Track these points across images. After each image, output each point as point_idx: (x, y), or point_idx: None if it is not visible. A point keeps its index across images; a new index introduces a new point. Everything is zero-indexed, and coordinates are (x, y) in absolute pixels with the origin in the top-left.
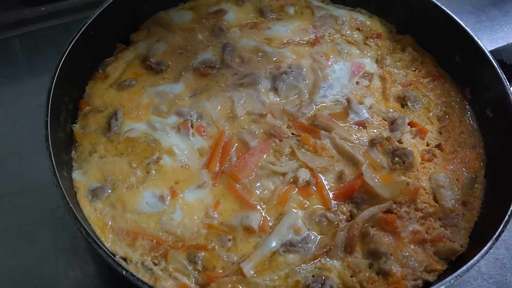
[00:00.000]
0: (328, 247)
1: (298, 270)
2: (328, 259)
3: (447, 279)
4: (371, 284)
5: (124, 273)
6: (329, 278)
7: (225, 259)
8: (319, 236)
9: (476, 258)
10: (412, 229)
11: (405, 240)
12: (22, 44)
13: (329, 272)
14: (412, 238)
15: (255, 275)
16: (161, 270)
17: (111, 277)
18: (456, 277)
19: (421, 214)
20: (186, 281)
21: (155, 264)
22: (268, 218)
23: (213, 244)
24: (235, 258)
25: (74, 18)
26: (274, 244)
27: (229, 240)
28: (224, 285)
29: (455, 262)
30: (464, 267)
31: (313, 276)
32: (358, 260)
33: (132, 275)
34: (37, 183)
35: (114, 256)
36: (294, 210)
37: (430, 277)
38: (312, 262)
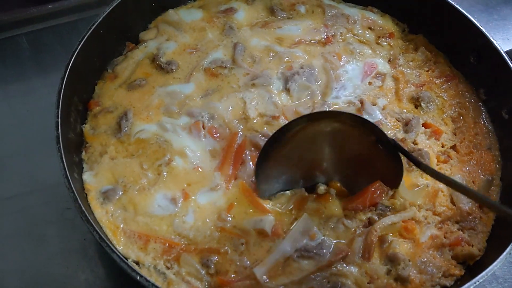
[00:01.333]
0: (344, 253)
1: (313, 277)
2: (344, 265)
3: (466, 285)
4: None
5: (138, 278)
6: (345, 284)
7: (238, 263)
8: (335, 241)
9: (495, 263)
10: (430, 234)
11: (424, 245)
12: (29, 43)
13: (346, 278)
14: (431, 243)
15: (268, 280)
16: (174, 274)
17: (122, 280)
18: (475, 283)
19: (439, 218)
20: (199, 285)
21: (168, 268)
22: (283, 222)
23: (226, 248)
24: (248, 262)
25: (81, 16)
26: (288, 249)
27: (242, 244)
28: None
29: (471, 266)
30: (483, 273)
31: (328, 282)
32: (376, 267)
33: (146, 280)
34: (46, 184)
35: (127, 260)
36: (308, 215)
37: (448, 282)
38: (328, 269)
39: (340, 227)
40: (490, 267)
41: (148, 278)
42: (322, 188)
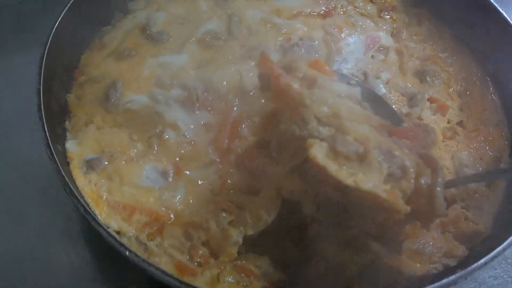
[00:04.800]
0: None
1: None
2: None
3: (473, 266)
4: None
5: (127, 253)
6: None
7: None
8: None
9: (506, 243)
10: None
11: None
12: (9, 15)
13: None
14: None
15: None
16: (156, 246)
17: (108, 262)
18: (483, 264)
19: None
20: (181, 258)
21: (150, 240)
22: None
23: (209, 223)
24: None
25: None
26: None
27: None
28: None
29: (476, 247)
30: (493, 253)
31: None
32: None
33: (136, 256)
34: (28, 161)
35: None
36: None
37: (450, 262)
38: None
39: None
40: (500, 248)
41: (139, 255)
42: None
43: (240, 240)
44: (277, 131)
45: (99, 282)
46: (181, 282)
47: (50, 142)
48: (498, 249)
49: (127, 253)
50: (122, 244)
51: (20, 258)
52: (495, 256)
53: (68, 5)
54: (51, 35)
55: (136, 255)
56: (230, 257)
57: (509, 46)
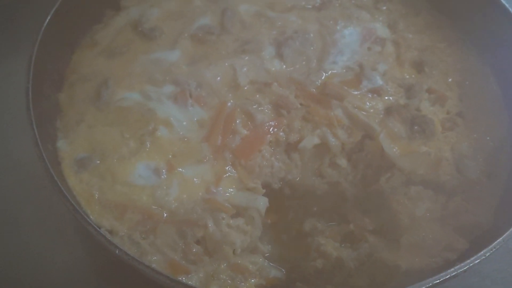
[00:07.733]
0: None
1: None
2: None
3: (473, 258)
4: None
5: (117, 252)
6: None
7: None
8: None
9: (505, 235)
10: (426, 208)
11: (421, 219)
12: (1, 16)
13: None
14: (429, 216)
15: None
16: (149, 244)
17: (103, 261)
18: (483, 256)
19: (432, 192)
20: (175, 256)
21: (143, 238)
22: None
23: (206, 221)
24: None
25: None
26: None
27: (223, 218)
28: None
29: (477, 240)
30: (492, 245)
31: None
32: None
33: (126, 254)
34: (21, 162)
35: (99, 229)
36: None
37: (450, 255)
38: None
39: None
40: (500, 240)
41: (129, 252)
42: None
43: (239, 242)
44: None
45: (93, 282)
46: (172, 280)
47: (39, 142)
48: (498, 240)
49: (117, 251)
50: (112, 243)
51: (13, 258)
52: (494, 248)
53: (58, 3)
54: (41, 34)
55: (126, 253)
56: (226, 256)
57: (509, 34)
